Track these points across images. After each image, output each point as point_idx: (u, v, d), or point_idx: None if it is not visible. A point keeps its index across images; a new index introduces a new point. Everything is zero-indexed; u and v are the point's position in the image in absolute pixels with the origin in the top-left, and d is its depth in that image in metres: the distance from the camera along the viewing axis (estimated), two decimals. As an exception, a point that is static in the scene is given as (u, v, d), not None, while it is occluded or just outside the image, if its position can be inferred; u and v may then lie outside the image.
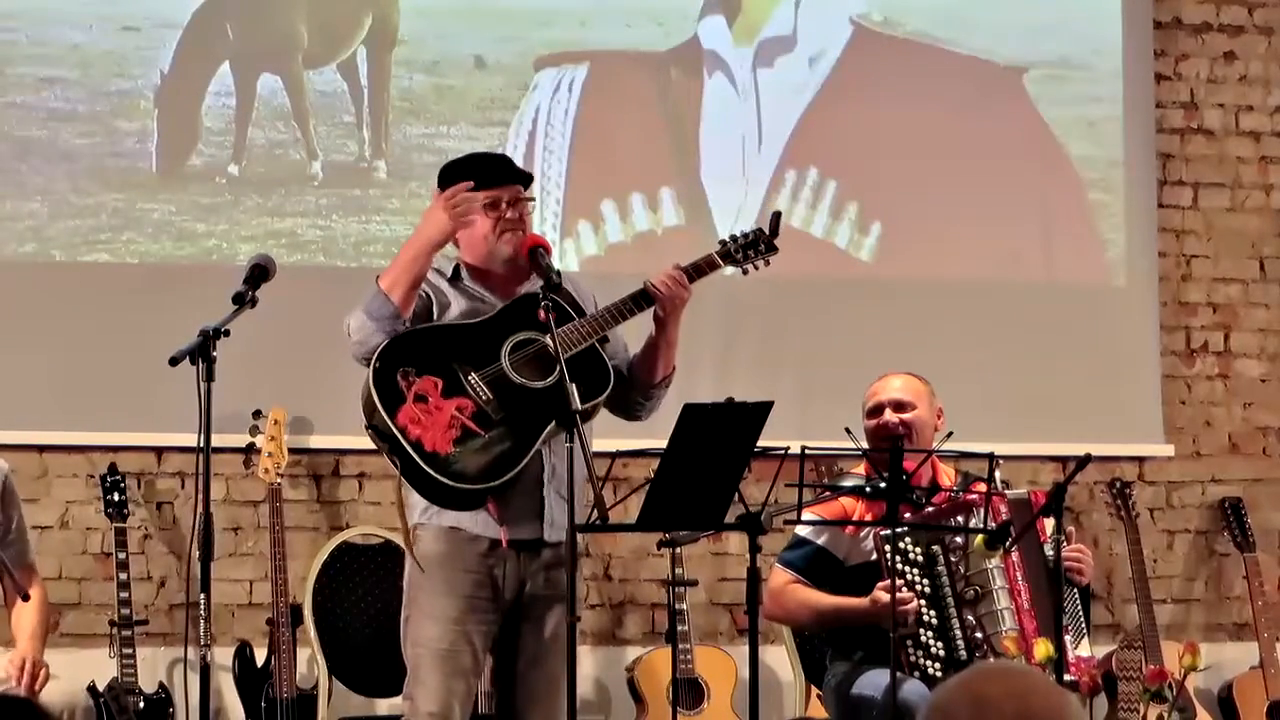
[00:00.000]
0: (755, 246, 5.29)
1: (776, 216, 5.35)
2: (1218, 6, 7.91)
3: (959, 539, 5.42)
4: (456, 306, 5.11)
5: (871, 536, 5.46)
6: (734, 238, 5.31)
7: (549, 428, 4.95)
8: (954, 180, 7.56)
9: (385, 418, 4.90)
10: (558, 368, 4.90)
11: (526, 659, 5.09)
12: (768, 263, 5.32)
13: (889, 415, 5.62)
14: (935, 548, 5.43)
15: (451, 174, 5.14)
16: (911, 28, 7.64)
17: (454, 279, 5.14)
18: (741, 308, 7.17)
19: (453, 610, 4.98)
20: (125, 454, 6.90)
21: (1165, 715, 6.32)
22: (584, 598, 7.14)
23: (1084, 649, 5.44)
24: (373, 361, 4.93)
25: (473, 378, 4.96)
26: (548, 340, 4.94)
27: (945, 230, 7.54)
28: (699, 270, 5.19)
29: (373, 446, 5.11)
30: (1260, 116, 7.93)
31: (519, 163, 5.74)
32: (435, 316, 5.09)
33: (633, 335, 5.30)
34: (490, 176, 5.13)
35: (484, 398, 4.95)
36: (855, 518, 5.53)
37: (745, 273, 5.32)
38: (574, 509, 4.83)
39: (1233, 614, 7.73)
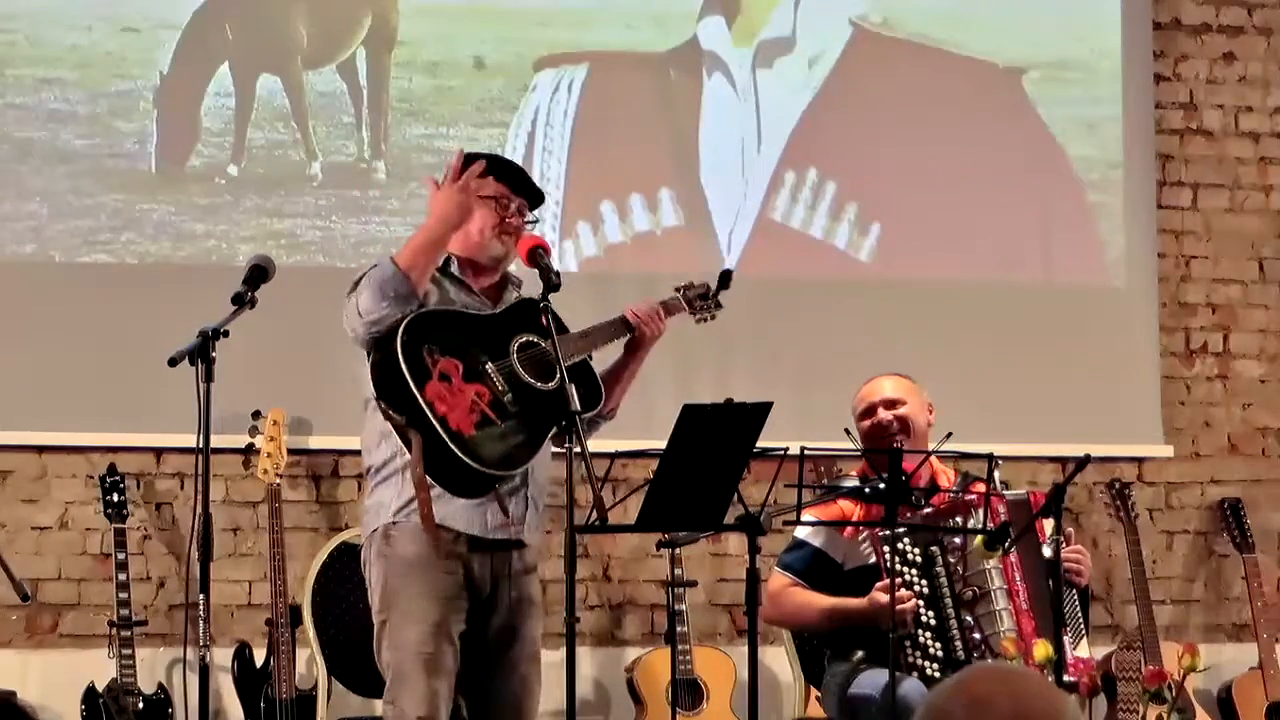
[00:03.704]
0: (705, 298, 5.45)
1: (727, 275, 5.48)
2: (1217, 7, 7.91)
3: (958, 539, 5.42)
4: (437, 294, 5.05)
5: (869, 540, 5.46)
6: (688, 285, 5.45)
7: (554, 430, 4.94)
8: (954, 180, 7.55)
9: (414, 390, 4.80)
10: (557, 371, 4.90)
11: (499, 665, 5.03)
12: (713, 316, 5.47)
13: (883, 413, 5.65)
14: (933, 548, 5.43)
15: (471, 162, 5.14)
16: (911, 29, 7.64)
17: (444, 268, 5.11)
18: (741, 308, 7.15)
19: (434, 614, 4.92)
20: (124, 454, 6.90)
21: (1164, 716, 6.32)
22: (583, 599, 7.14)
23: (1083, 650, 5.44)
24: (399, 334, 4.83)
25: (490, 367, 4.95)
26: (548, 345, 4.94)
27: (945, 230, 7.54)
28: (668, 309, 5.32)
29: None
30: (1260, 117, 7.93)
31: (518, 163, 5.75)
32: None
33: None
34: (508, 176, 5.14)
35: (500, 388, 4.93)
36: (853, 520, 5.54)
37: (698, 322, 5.46)
38: (573, 510, 4.83)
39: (1232, 615, 7.72)
